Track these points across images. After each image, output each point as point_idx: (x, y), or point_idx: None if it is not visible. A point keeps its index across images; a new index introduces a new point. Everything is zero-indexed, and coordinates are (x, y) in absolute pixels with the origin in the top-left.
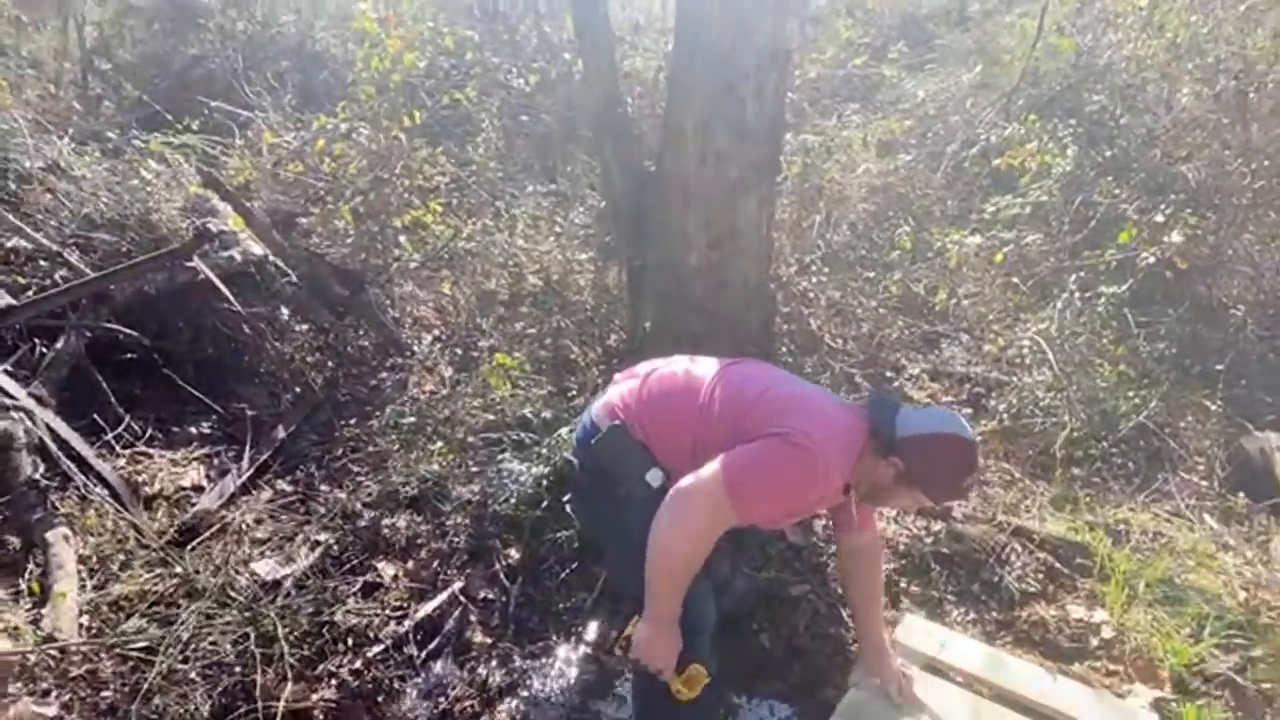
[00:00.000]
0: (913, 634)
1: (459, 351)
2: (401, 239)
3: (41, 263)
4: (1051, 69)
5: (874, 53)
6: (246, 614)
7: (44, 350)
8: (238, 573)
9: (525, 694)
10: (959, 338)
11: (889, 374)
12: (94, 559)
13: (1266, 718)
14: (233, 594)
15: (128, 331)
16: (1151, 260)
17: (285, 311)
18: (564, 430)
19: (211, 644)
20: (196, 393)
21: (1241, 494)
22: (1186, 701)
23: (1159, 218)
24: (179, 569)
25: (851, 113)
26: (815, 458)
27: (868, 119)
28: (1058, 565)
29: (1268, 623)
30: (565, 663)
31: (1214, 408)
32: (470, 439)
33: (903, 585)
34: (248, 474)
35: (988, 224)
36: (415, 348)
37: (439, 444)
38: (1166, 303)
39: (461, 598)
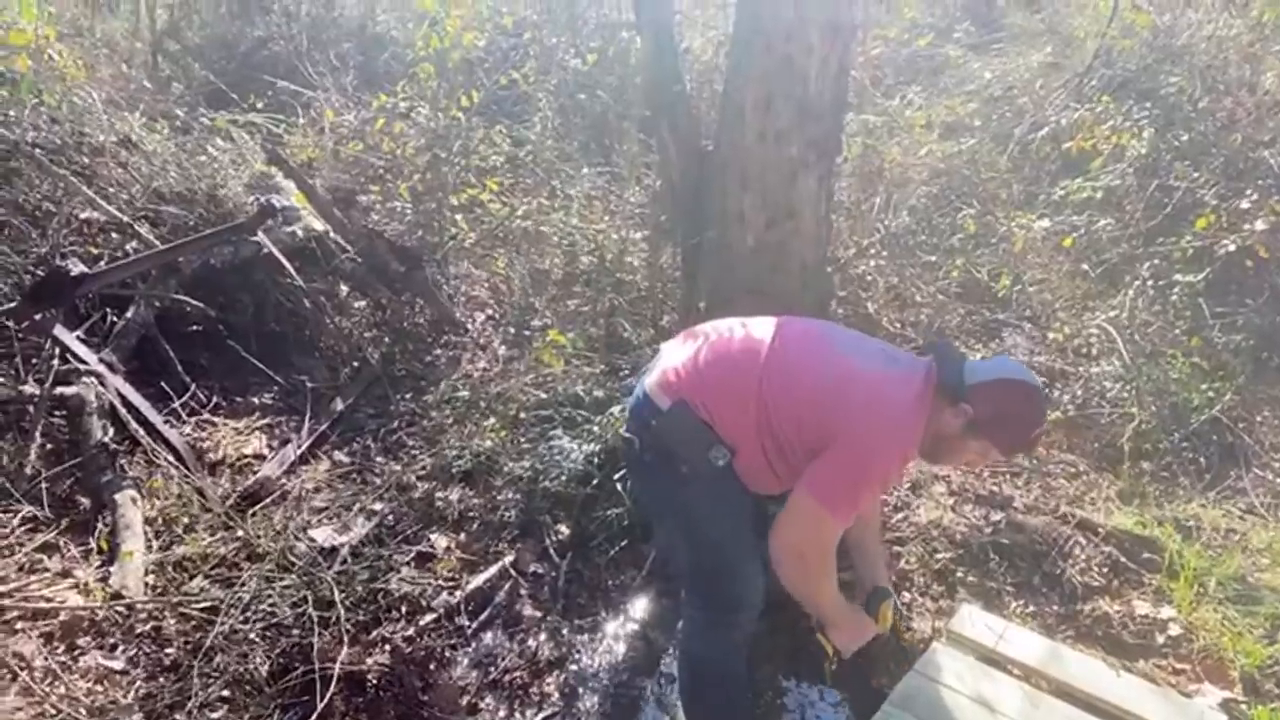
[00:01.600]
0: (970, 625)
1: (512, 330)
2: (458, 217)
3: (113, 234)
4: (1126, 49)
5: (939, 33)
6: (305, 578)
7: (114, 319)
8: (297, 538)
9: (574, 668)
10: (1022, 326)
11: None
12: (160, 521)
13: None
14: (292, 559)
15: (194, 303)
16: (1231, 248)
17: (344, 287)
18: (615, 409)
19: (271, 606)
20: (259, 364)
21: None
22: (1258, 703)
23: (1243, 204)
24: (241, 533)
25: (915, 94)
26: (892, 437)
27: (932, 100)
28: (1123, 560)
29: None
30: (613, 639)
31: None
32: (522, 415)
33: (960, 575)
34: (307, 444)
35: (1056, 208)
36: (469, 325)
37: (491, 420)
38: (1244, 293)
39: (512, 571)
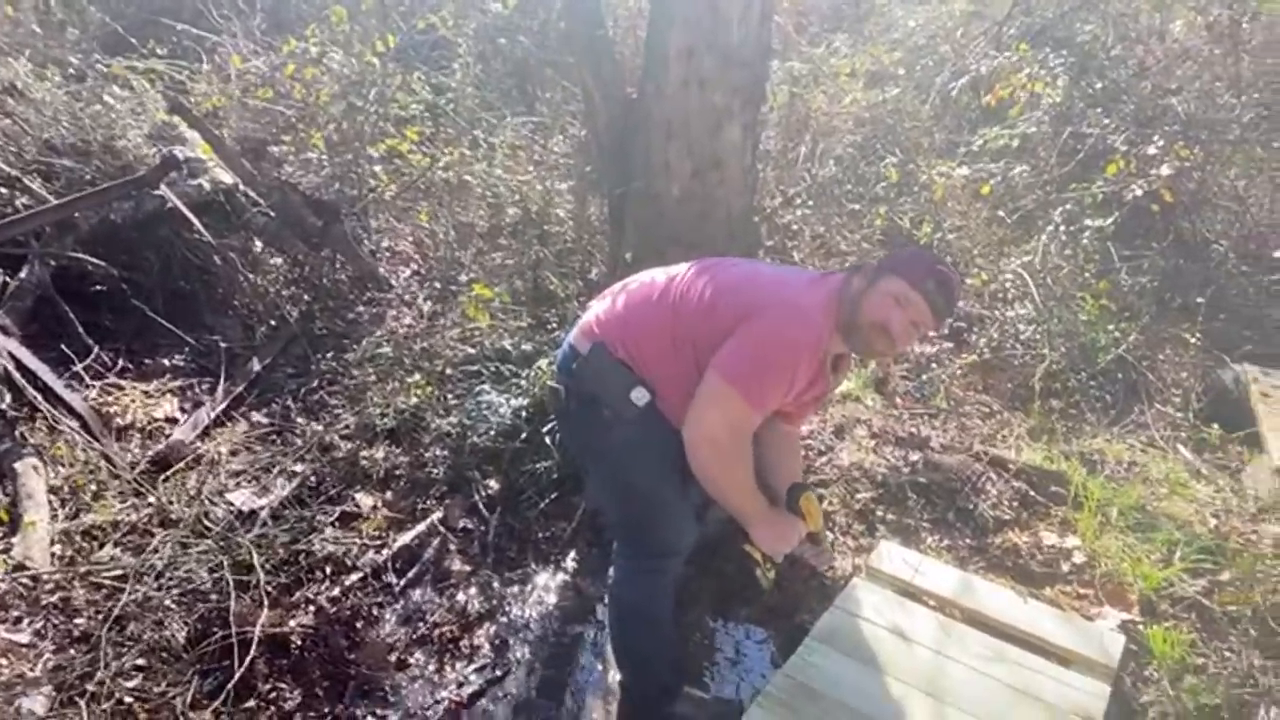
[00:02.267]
0: (888, 560)
1: (437, 285)
2: (377, 169)
3: (1, 190)
4: None
5: None
6: (221, 543)
7: (7, 280)
8: (213, 503)
9: (504, 619)
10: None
11: None
12: (65, 489)
13: (1231, 639)
14: (207, 523)
15: (94, 261)
16: (1139, 193)
17: (258, 243)
18: (543, 362)
19: (187, 572)
20: (168, 324)
21: (1216, 425)
22: (1154, 624)
23: (1150, 150)
24: (152, 499)
25: (841, 41)
26: (799, 324)
27: (857, 48)
28: (1032, 494)
29: (1236, 548)
30: (544, 589)
31: (1193, 341)
32: (449, 371)
33: (880, 514)
34: (222, 406)
35: (975, 156)
36: (393, 281)
37: (417, 377)
38: (1151, 237)
39: (440, 527)
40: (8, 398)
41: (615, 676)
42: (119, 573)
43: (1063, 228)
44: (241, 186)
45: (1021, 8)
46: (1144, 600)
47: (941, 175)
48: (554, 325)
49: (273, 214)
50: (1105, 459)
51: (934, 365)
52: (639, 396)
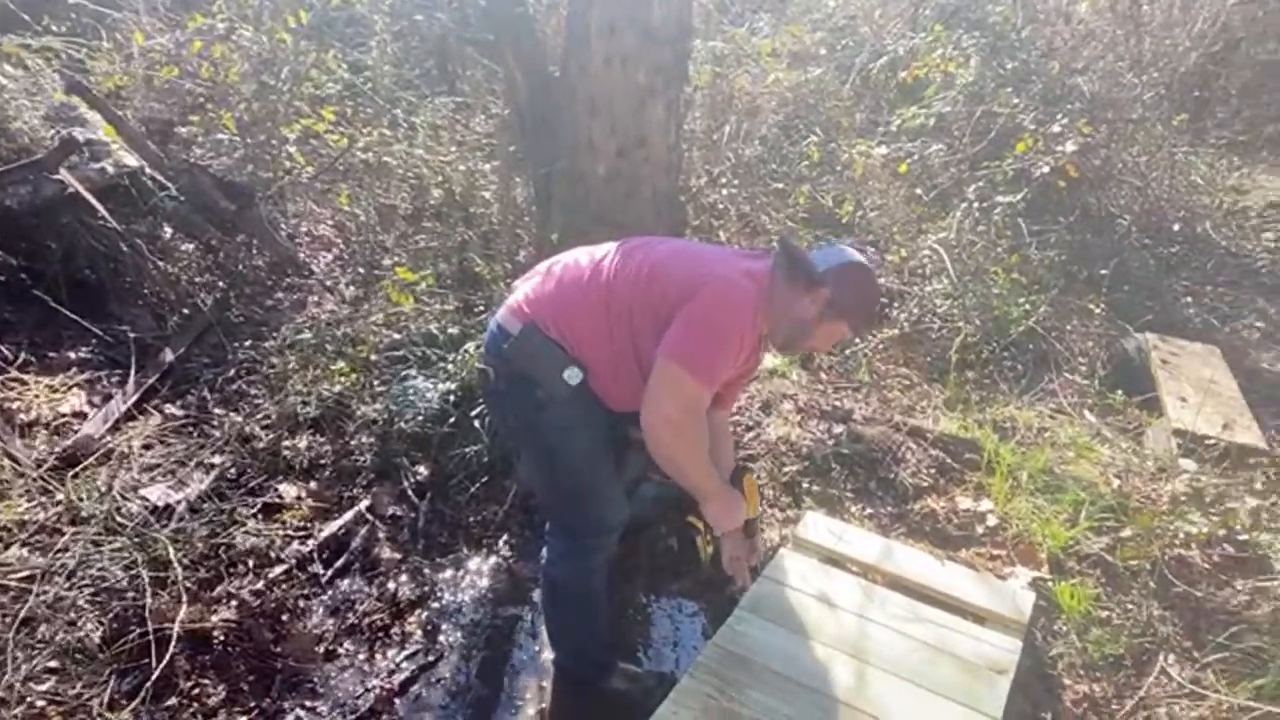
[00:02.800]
0: (813, 530)
1: (361, 269)
2: (292, 150)
3: None
4: None
5: None
6: (136, 539)
7: None
8: (126, 499)
9: (436, 605)
10: (865, 250)
11: None
12: None
13: (1133, 591)
14: (121, 520)
15: None
16: (1046, 170)
17: (168, 228)
18: (471, 345)
19: (100, 570)
20: (73, 315)
21: (1119, 390)
22: (1061, 580)
23: (1055, 128)
24: (61, 497)
25: (764, 22)
26: (740, 300)
27: (780, 28)
28: (949, 461)
29: (1137, 506)
30: (476, 574)
31: (1097, 311)
32: (374, 358)
33: (805, 485)
34: (134, 398)
35: (894, 135)
36: (314, 266)
37: (341, 363)
38: (1058, 212)
39: (369, 515)
40: None
41: (550, 656)
42: (27, 574)
43: (976, 204)
44: (148, 169)
45: None
46: (1052, 558)
47: (861, 154)
48: (481, 308)
49: (182, 198)
50: (1016, 426)
51: (857, 340)
52: (572, 376)
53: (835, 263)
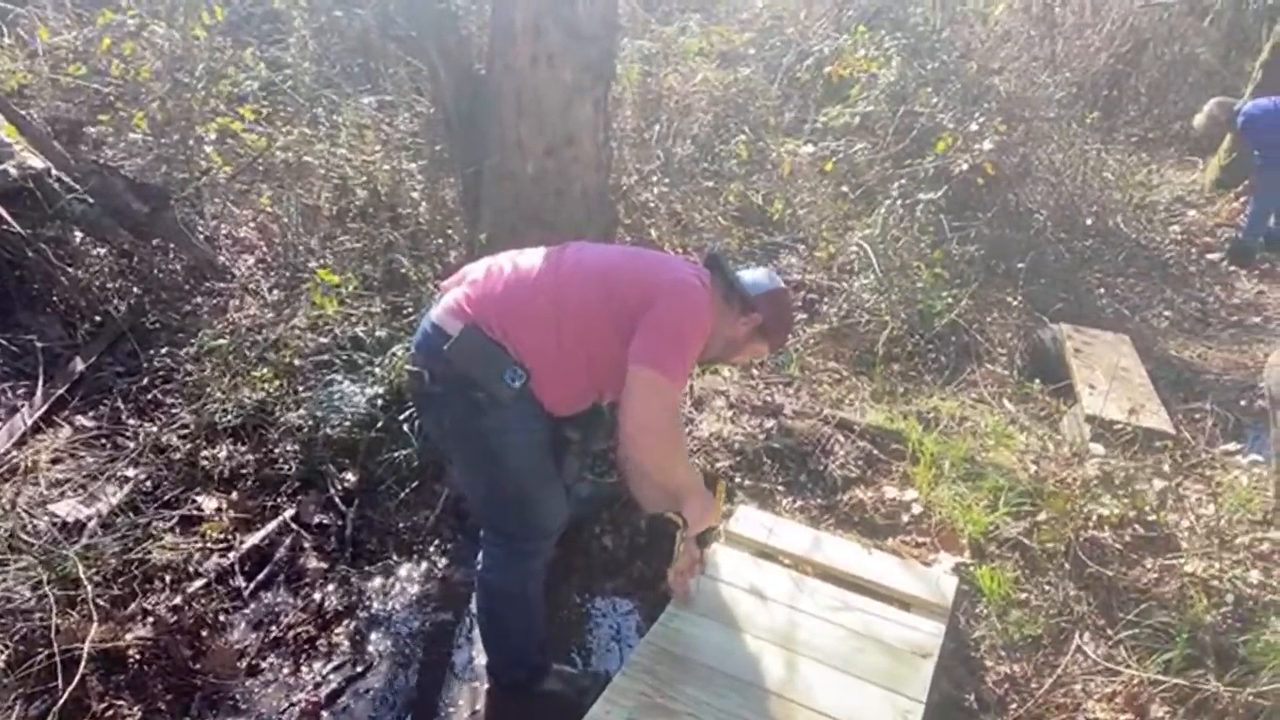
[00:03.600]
0: (745, 524)
1: (285, 273)
2: (209, 150)
3: None
4: None
5: None
6: (44, 557)
7: None
8: (32, 515)
9: (364, 615)
10: (796, 247)
11: None
12: None
13: (1049, 573)
14: (27, 538)
15: None
16: (965, 168)
17: (78, 233)
18: (399, 348)
19: (4, 590)
20: None
21: (1036, 380)
22: (982, 564)
23: (973, 127)
24: None
25: (691, 22)
26: (697, 291)
27: (707, 28)
28: (875, 452)
29: (1052, 491)
30: (407, 581)
31: (1015, 303)
32: (298, 362)
33: (738, 480)
34: (40, 411)
35: (820, 134)
36: (235, 270)
37: (263, 370)
38: (978, 208)
39: (293, 525)
40: None
41: (483, 661)
42: None
43: (900, 201)
44: (54, 171)
45: None
46: (974, 543)
47: (789, 153)
48: (409, 310)
49: (92, 201)
50: (940, 416)
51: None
52: (513, 378)
53: (764, 288)
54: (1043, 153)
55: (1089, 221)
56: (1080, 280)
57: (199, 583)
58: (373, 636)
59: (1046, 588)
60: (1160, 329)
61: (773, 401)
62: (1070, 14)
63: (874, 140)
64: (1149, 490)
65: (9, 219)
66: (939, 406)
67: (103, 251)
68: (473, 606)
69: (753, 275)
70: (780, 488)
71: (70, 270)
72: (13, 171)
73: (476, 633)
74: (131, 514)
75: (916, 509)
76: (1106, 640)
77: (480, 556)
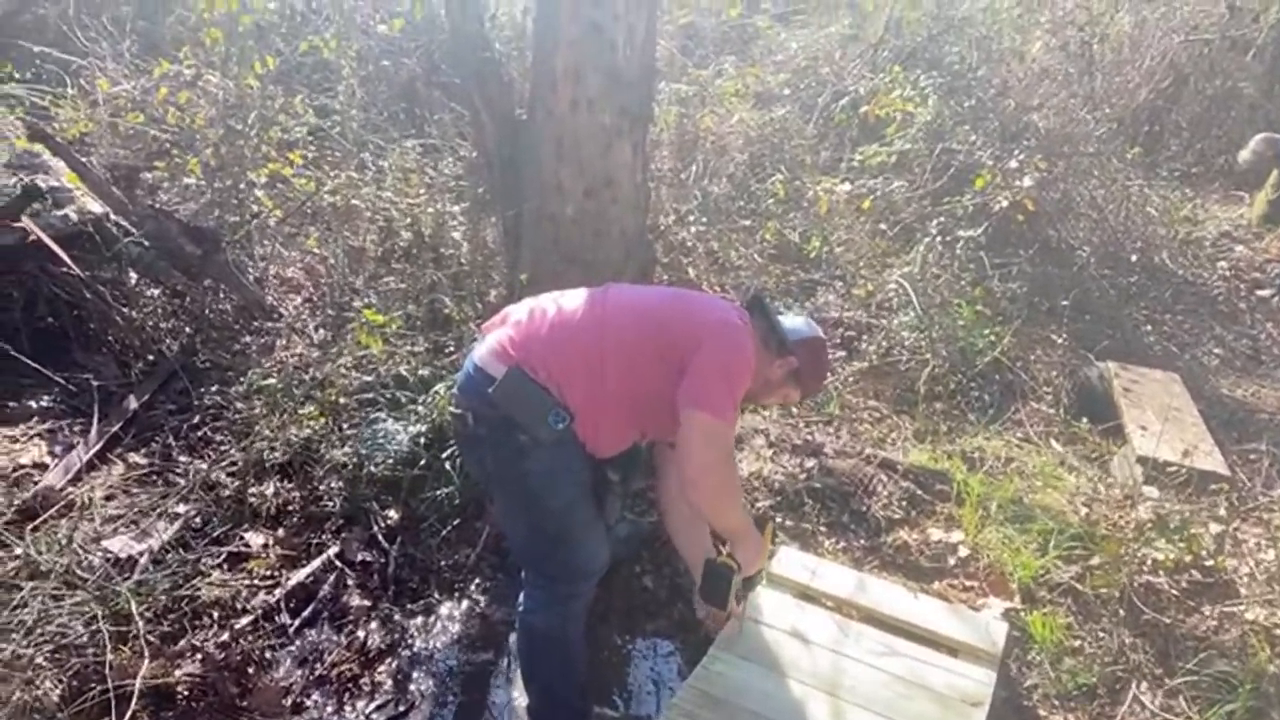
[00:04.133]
0: (787, 565)
1: (330, 312)
2: (259, 194)
3: None
4: (913, 20)
5: (749, 3)
6: (97, 593)
7: None
8: (87, 551)
9: (406, 653)
10: (833, 284)
11: None
12: None
13: (1103, 619)
14: (82, 574)
15: None
16: (1005, 204)
17: (133, 274)
18: (441, 387)
19: (59, 626)
20: (34, 364)
21: (1084, 419)
22: (1033, 610)
23: (1012, 164)
24: (19, 550)
25: (729, 63)
26: (742, 332)
27: (743, 70)
28: (919, 492)
29: (1105, 534)
30: (448, 619)
31: (1060, 341)
32: (343, 400)
33: (778, 520)
34: (96, 448)
35: (856, 172)
36: (282, 310)
37: (309, 407)
38: (1019, 245)
39: (337, 562)
40: None
41: (523, 703)
42: None
43: (939, 239)
44: (112, 216)
45: (893, 31)
46: (1024, 588)
47: (826, 191)
48: (451, 349)
49: (147, 244)
50: (985, 456)
51: (828, 374)
52: (557, 420)
53: (802, 335)
54: (1084, 189)
55: (1133, 258)
56: (1126, 317)
57: (246, 619)
58: (415, 675)
59: (1100, 635)
60: (1211, 367)
61: (813, 440)
62: (1109, 51)
63: (911, 178)
64: (1205, 534)
65: (69, 261)
66: (984, 446)
67: (156, 292)
68: (513, 646)
69: (792, 321)
70: (822, 528)
71: (125, 310)
72: (73, 216)
73: (517, 673)
74: (181, 550)
75: (963, 551)
76: (1165, 690)
77: (521, 598)
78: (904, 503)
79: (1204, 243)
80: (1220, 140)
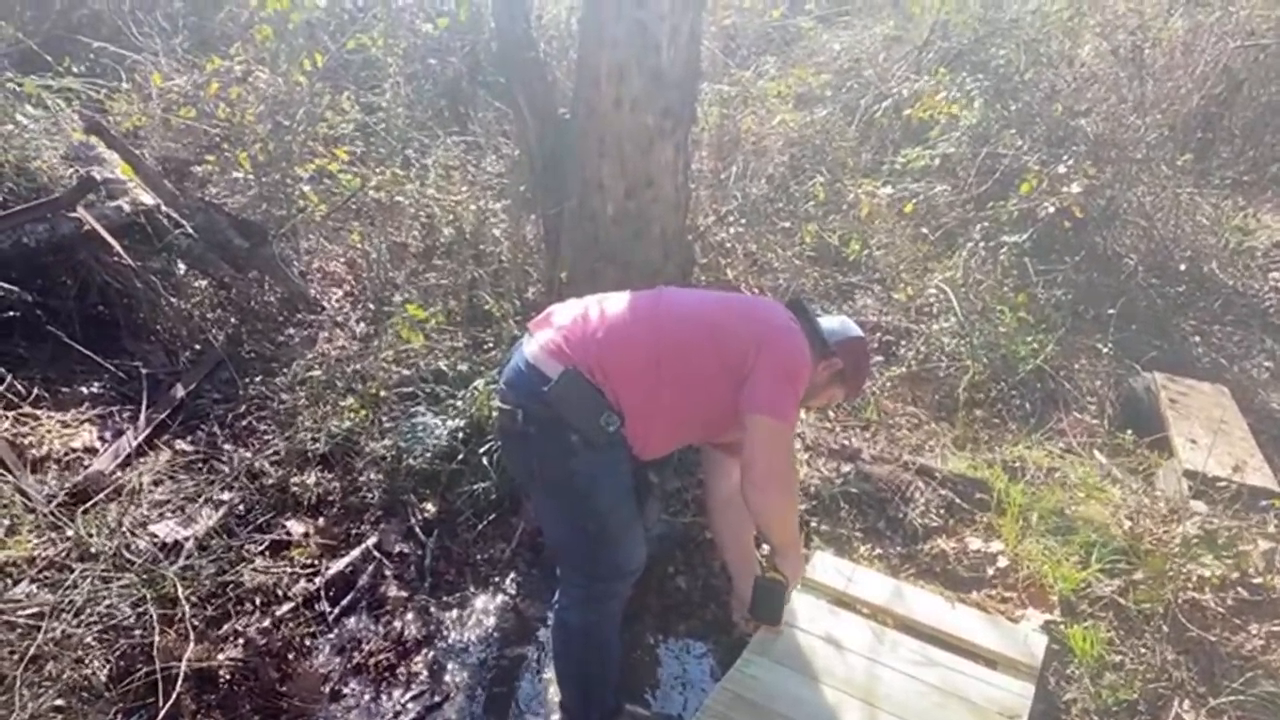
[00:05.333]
0: (822, 570)
1: (371, 306)
2: (305, 189)
3: None
4: (960, 22)
5: (792, 4)
6: (145, 576)
7: None
8: (135, 535)
9: (442, 645)
10: (871, 288)
11: None
12: None
13: (1146, 635)
14: (129, 556)
15: (6, 287)
16: (1051, 210)
17: (181, 265)
18: (480, 383)
19: (108, 607)
20: (86, 351)
21: (1129, 430)
22: (1074, 623)
23: (1060, 169)
24: (70, 533)
25: (770, 64)
26: (799, 337)
27: (785, 71)
28: (958, 501)
29: (1149, 548)
30: (483, 613)
31: (1105, 350)
32: (383, 394)
33: (814, 525)
34: (144, 434)
35: (899, 175)
36: (325, 302)
37: (350, 399)
38: (1064, 251)
39: (375, 553)
40: None
41: (556, 698)
42: (35, 610)
43: (982, 244)
44: (163, 207)
45: (939, 33)
46: (1064, 601)
47: (867, 194)
48: (490, 345)
49: (196, 235)
50: (1026, 465)
51: (870, 375)
52: (609, 422)
53: (844, 335)
54: (1132, 195)
55: (1182, 267)
56: (1174, 328)
57: (287, 606)
58: (450, 667)
59: (1143, 650)
60: (1260, 380)
61: (850, 445)
62: (1160, 55)
63: (955, 182)
64: (1254, 551)
65: (121, 251)
66: (1025, 455)
67: (204, 283)
68: (546, 641)
69: (830, 322)
70: (858, 534)
71: (174, 300)
72: (126, 207)
73: (550, 669)
74: (225, 536)
75: (1002, 562)
76: (1208, 710)
77: (557, 595)
78: (942, 510)
79: (1255, 253)
80: (1274, 148)
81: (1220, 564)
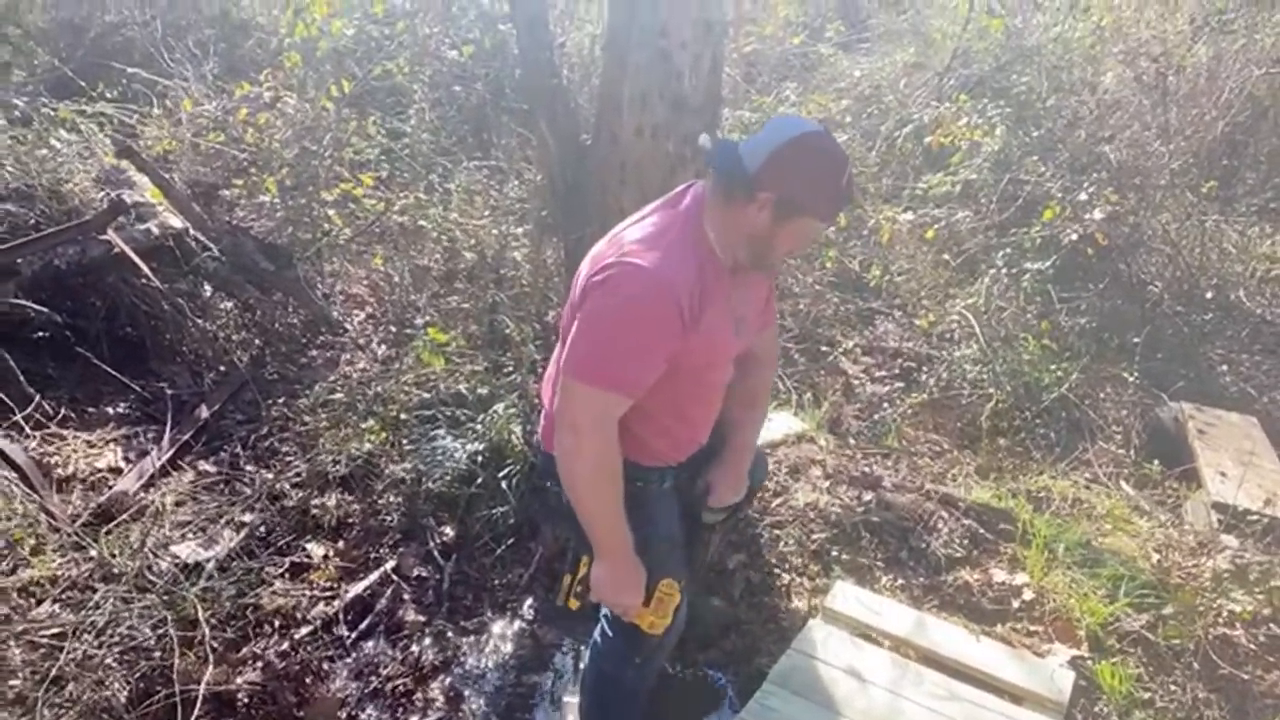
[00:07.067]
0: (843, 601)
1: (393, 329)
2: (330, 213)
3: None
4: (981, 49)
5: (812, 32)
6: (165, 597)
7: None
8: (157, 556)
9: (459, 670)
10: (892, 314)
11: (824, 349)
12: (2, 544)
13: (1176, 672)
14: (151, 577)
15: (37, 308)
16: (1074, 237)
17: (208, 287)
18: (499, 406)
19: (129, 629)
20: (113, 372)
21: (1156, 461)
22: (1102, 659)
23: (1082, 196)
24: (94, 553)
25: (790, 91)
26: (636, 271)
27: (805, 97)
28: (982, 531)
29: (1178, 582)
30: (500, 638)
31: (1131, 379)
32: (404, 416)
33: (834, 554)
34: (168, 455)
35: (920, 201)
36: (347, 325)
37: (371, 422)
38: (1088, 279)
39: (394, 576)
40: None
41: None
42: (57, 630)
43: (1004, 270)
44: (191, 231)
45: (961, 60)
46: (1091, 636)
47: (888, 220)
48: (510, 369)
49: (223, 258)
50: (1051, 496)
51: (885, 405)
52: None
53: (766, 151)
54: (1156, 222)
55: (1209, 295)
56: (1201, 356)
57: (306, 629)
58: (466, 694)
59: (1173, 688)
60: None
61: (871, 473)
62: (1184, 82)
63: (977, 208)
64: None
65: (149, 274)
66: (1050, 486)
67: (229, 305)
68: (563, 668)
69: (757, 139)
70: (879, 564)
71: (200, 322)
72: (155, 230)
73: (567, 698)
74: (246, 558)
75: (1028, 595)
76: None
77: (597, 635)
78: (965, 541)
79: None
80: None
81: (1252, 599)
